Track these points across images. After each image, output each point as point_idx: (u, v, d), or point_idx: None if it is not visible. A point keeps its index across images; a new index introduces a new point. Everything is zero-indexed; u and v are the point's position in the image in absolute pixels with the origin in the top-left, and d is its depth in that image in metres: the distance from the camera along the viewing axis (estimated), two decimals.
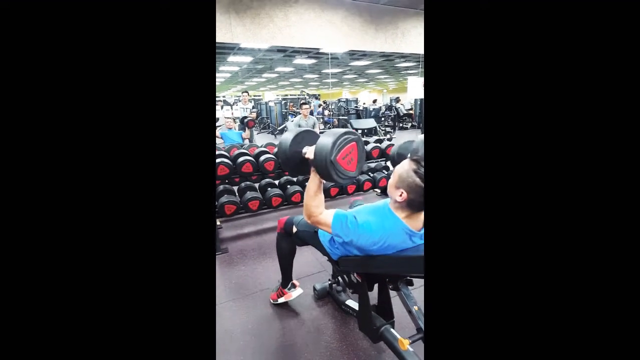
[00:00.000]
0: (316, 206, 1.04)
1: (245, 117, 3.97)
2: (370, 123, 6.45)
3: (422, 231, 0.99)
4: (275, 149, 1.00)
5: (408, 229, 0.96)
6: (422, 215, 1.00)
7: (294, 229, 1.36)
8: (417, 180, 0.89)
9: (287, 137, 1.10)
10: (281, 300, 1.54)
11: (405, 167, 0.92)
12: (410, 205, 0.94)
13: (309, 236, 1.30)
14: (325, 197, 2.62)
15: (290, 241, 1.42)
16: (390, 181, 0.97)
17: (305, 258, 1.95)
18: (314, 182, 1.05)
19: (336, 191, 2.71)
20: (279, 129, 8.79)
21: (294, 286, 1.54)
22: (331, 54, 3.79)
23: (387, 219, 0.97)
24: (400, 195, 0.93)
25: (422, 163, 0.90)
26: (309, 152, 1.06)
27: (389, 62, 6.49)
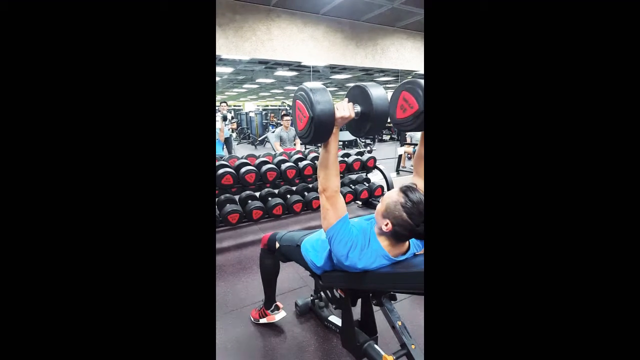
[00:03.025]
0: (336, 176, 0.93)
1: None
2: (350, 135, 6.54)
3: (402, 257, 1.00)
4: (316, 106, 0.84)
5: (387, 256, 0.96)
6: (405, 245, 1.00)
7: (277, 245, 1.34)
8: (404, 214, 0.88)
9: (326, 96, 0.87)
10: (263, 321, 1.49)
11: (393, 198, 0.91)
12: (395, 236, 0.94)
13: (292, 251, 1.28)
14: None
15: (273, 258, 1.39)
16: (378, 208, 0.95)
17: (287, 273, 1.91)
18: (334, 144, 0.93)
19: (318, 203, 2.70)
20: (259, 139, 8.74)
21: (277, 308, 1.49)
22: (312, 67, 3.84)
23: (369, 246, 0.96)
24: (386, 225, 0.91)
25: (411, 196, 0.88)
26: (347, 109, 0.91)
27: (368, 76, 6.67)
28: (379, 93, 0.93)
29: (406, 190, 0.90)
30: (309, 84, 0.90)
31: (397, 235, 0.93)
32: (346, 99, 0.99)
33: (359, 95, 0.97)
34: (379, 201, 3.24)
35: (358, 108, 0.95)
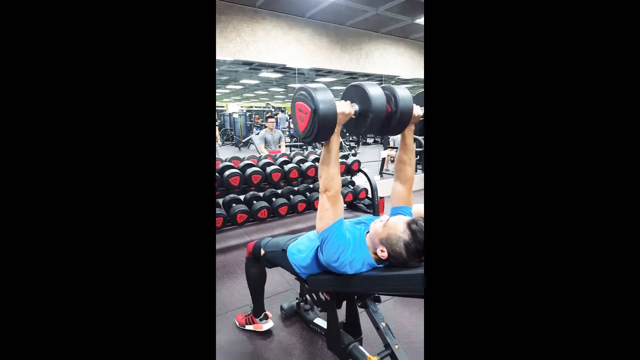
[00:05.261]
0: (338, 175, 0.94)
1: None
2: None
3: (383, 265, 1.00)
4: (322, 105, 0.85)
5: (373, 265, 0.98)
6: None
7: (262, 252, 1.33)
8: (404, 252, 0.88)
9: (327, 91, 0.89)
10: (249, 327, 1.48)
11: (398, 232, 0.90)
12: (384, 261, 0.95)
13: (277, 256, 1.28)
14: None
15: (259, 265, 1.38)
16: (378, 229, 0.95)
17: (273, 277, 1.91)
18: (335, 141, 0.94)
19: (304, 206, 2.70)
20: (243, 141, 8.64)
21: (266, 317, 1.48)
22: (297, 70, 3.85)
23: (359, 253, 0.96)
24: (382, 252, 0.92)
25: (417, 236, 0.87)
26: (348, 106, 0.93)
27: (352, 80, 6.75)
28: (376, 91, 0.94)
29: (415, 228, 0.89)
30: (308, 84, 0.91)
31: (388, 261, 0.95)
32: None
33: (355, 94, 0.98)
34: (364, 204, 3.21)
35: (356, 107, 0.97)
